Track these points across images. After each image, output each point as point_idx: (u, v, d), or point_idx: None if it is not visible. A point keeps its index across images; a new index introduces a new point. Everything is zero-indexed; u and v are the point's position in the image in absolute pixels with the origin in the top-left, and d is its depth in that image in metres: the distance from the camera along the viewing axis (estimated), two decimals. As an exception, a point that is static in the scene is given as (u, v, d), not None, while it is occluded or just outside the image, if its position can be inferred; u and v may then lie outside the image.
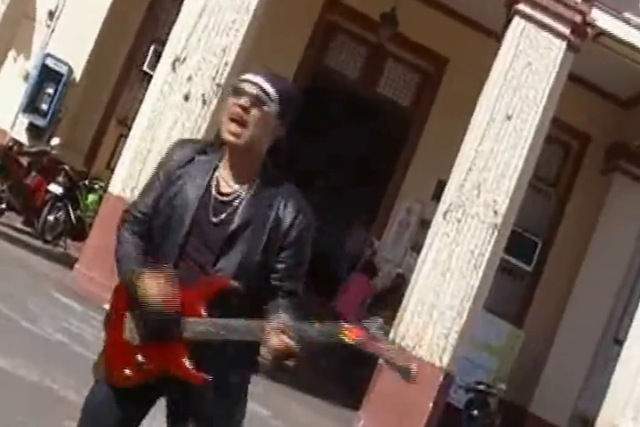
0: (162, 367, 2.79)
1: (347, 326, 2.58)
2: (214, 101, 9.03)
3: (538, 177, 11.90)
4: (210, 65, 9.05)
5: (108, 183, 9.88)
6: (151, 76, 11.78)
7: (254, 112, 2.75)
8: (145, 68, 12.64)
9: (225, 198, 2.82)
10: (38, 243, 10.26)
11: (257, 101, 2.76)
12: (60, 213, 10.57)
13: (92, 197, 11.07)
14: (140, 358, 2.81)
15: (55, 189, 10.52)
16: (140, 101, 10.98)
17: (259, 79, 2.80)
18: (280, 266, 2.81)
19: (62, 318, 7.69)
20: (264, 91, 2.77)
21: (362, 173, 14.54)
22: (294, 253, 2.83)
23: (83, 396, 5.57)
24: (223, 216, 2.80)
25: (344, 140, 14.16)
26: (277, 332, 2.61)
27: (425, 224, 11.61)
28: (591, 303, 12.55)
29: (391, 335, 9.14)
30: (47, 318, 7.35)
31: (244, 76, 2.82)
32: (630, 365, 9.70)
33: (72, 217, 10.71)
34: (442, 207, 9.37)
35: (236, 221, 2.79)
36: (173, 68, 9.09)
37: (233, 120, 2.76)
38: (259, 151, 2.84)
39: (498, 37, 9.74)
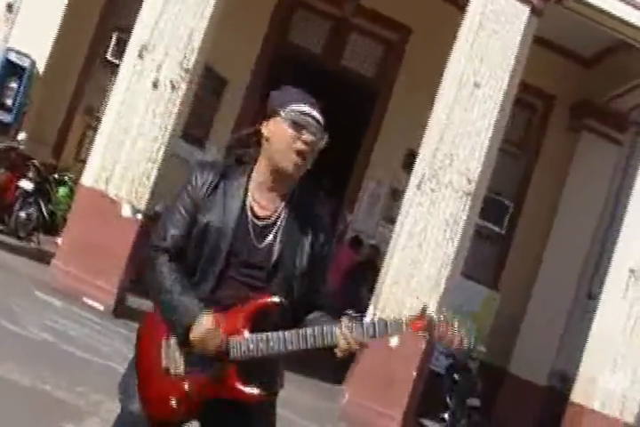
0: (211, 393, 2.77)
1: (409, 316, 2.68)
2: (183, 86, 9.00)
3: (505, 140, 11.84)
4: (177, 50, 8.97)
5: (78, 175, 9.79)
6: (115, 65, 11.73)
7: (316, 147, 2.87)
8: (108, 56, 12.61)
9: (264, 222, 2.85)
10: (12, 240, 10.12)
11: (320, 138, 2.87)
12: (32, 209, 10.46)
13: (62, 191, 10.95)
14: (186, 387, 2.77)
15: (26, 184, 10.40)
16: (106, 91, 10.92)
17: (316, 114, 2.87)
18: (320, 272, 2.93)
19: (45, 317, 7.62)
20: (322, 125, 2.87)
21: (330, 146, 14.44)
22: (328, 263, 2.95)
23: (77, 396, 5.60)
24: (268, 239, 2.84)
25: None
26: (346, 335, 2.68)
27: (396, 195, 11.63)
28: (564, 261, 12.70)
29: (371, 307, 9.21)
30: (30, 318, 7.27)
31: (303, 109, 2.86)
32: (607, 319, 9.80)
33: (44, 212, 10.60)
34: (415, 178, 9.36)
35: (279, 243, 2.84)
36: (140, 56, 8.98)
37: (298, 154, 2.82)
38: None
39: (461, 5, 9.68)
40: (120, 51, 10.06)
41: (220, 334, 2.72)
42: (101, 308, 9.08)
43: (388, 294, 9.15)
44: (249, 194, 2.86)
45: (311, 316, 2.88)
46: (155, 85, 8.99)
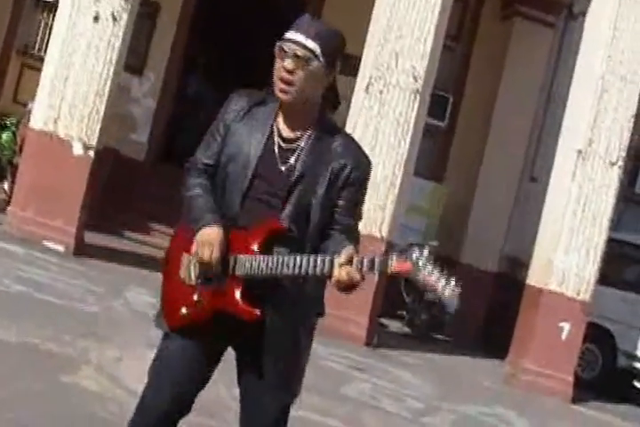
0: (216, 305, 2.89)
1: (395, 257, 2.66)
2: (124, 17, 8.88)
3: (441, 33, 11.88)
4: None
5: (19, 118, 9.58)
6: (45, 3, 11.32)
7: (299, 72, 2.84)
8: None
9: (288, 145, 2.94)
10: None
11: (300, 62, 2.84)
12: (-24, 157, 10.23)
13: (5, 135, 10.70)
14: (195, 296, 2.92)
15: None
16: (39, 29, 10.58)
17: (300, 37, 2.84)
18: (340, 202, 2.94)
19: (12, 266, 7.55)
20: (307, 48, 2.83)
21: (266, 52, 14.28)
22: (354, 193, 2.94)
23: (65, 346, 5.65)
24: (289, 163, 2.92)
25: (247, 21, 13.89)
26: (345, 264, 2.69)
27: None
28: (506, 148, 12.91)
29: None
30: (-3, 270, 7.19)
31: (286, 35, 2.88)
32: (557, 202, 10.06)
33: (-12, 159, 10.36)
34: (362, 82, 9.36)
35: (300, 166, 2.91)
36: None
37: (281, 80, 2.87)
38: (311, 101, 2.94)
39: None
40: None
41: (216, 247, 2.84)
42: (62, 249, 9.06)
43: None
44: (277, 119, 2.96)
45: (323, 244, 2.92)
46: (96, 19, 8.85)
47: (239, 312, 2.84)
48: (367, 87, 9.30)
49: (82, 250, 9.35)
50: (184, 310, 2.94)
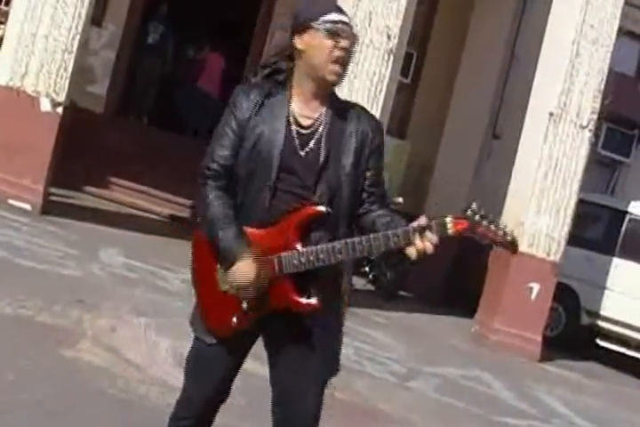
0: (270, 307, 2.85)
1: (451, 218, 2.74)
2: None
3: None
4: None
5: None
6: None
7: (352, 50, 2.90)
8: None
9: (307, 131, 2.90)
10: None
11: (354, 42, 2.90)
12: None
13: None
14: (245, 305, 2.85)
15: None
16: None
17: (346, 19, 2.90)
18: (369, 173, 2.95)
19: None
20: (352, 28, 2.90)
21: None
22: (378, 160, 2.97)
23: (58, 317, 5.56)
24: (311, 146, 2.89)
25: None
26: (422, 232, 2.73)
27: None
28: (470, 105, 12.92)
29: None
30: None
31: (335, 18, 2.89)
32: (528, 163, 10.12)
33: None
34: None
35: (324, 146, 2.88)
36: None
37: (337, 62, 2.85)
38: None
39: None
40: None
41: (254, 285, 2.79)
42: (29, 208, 8.88)
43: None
44: (291, 107, 2.91)
45: (374, 219, 2.92)
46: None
47: (298, 308, 2.83)
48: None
49: (49, 208, 9.18)
50: (235, 320, 2.87)
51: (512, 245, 2.85)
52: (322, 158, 2.87)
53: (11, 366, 4.51)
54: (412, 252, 2.76)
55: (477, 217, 2.75)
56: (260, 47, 12.90)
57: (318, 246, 2.80)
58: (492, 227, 2.78)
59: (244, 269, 2.79)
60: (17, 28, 8.84)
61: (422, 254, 2.76)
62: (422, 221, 2.76)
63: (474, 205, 2.76)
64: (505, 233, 2.81)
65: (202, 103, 13.73)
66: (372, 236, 2.79)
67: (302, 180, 2.86)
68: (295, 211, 2.83)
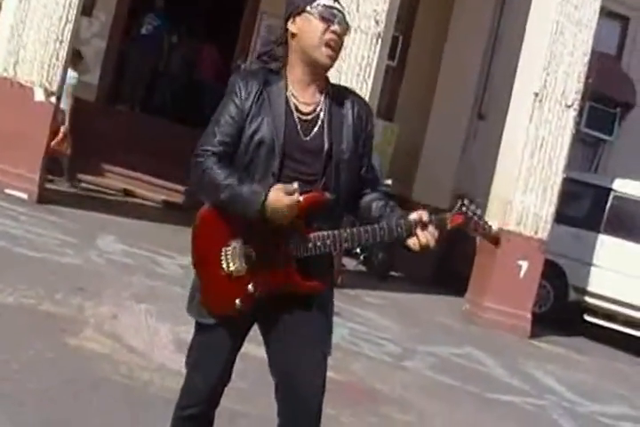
0: (275, 288, 2.91)
1: (450, 214, 2.92)
2: None
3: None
4: None
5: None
6: None
7: (343, 36, 2.96)
8: None
9: (309, 117, 2.97)
10: None
11: (346, 28, 2.96)
12: None
13: None
14: (250, 287, 2.91)
15: None
16: None
17: (338, 5, 2.97)
18: (365, 159, 3.06)
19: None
20: (344, 15, 2.96)
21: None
22: (371, 145, 3.08)
23: (60, 306, 5.69)
24: (314, 132, 2.95)
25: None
26: (422, 225, 2.86)
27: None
28: (456, 86, 13.06)
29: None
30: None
31: (327, 2, 2.95)
32: (514, 143, 10.27)
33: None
34: (324, 25, 9.32)
35: (327, 132, 2.95)
36: None
37: (328, 46, 2.91)
38: None
39: None
40: None
41: (294, 200, 2.78)
42: (25, 197, 9.00)
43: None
44: (290, 94, 2.97)
45: (369, 202, 3.03)
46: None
47: (304, 289, 2.91)
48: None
49: (45, 197, 9.30)
50: (238, 302, 2.92)
51: (495, 239, 3.09)
52: (326, 144, 2.93)
53: (16, 356, 4.60)
54: (414, 244, 2.87)
55: (470, 213, 2.91)
56: (249, 34, 12.94)
57: (325, 233, 2.87)
58: (481, 222, 2.94)
59: (278, 195, 2.77)
60: (9, 18, 8.91)
61: (425, 248, 2.87)
62: (424, 216, 2.86)
63: (466, 201, 2.91)
64: (490, 227, 2.98)
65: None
66: (377, 226, 2.88)
67: (307, 166, 2.92)
68: (303, 198, 2.85)
